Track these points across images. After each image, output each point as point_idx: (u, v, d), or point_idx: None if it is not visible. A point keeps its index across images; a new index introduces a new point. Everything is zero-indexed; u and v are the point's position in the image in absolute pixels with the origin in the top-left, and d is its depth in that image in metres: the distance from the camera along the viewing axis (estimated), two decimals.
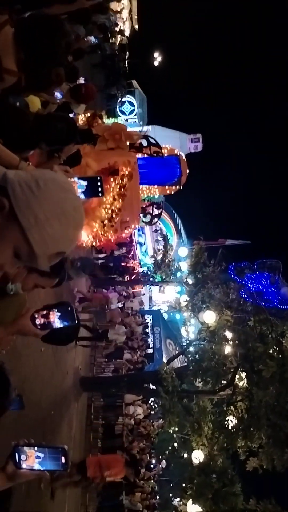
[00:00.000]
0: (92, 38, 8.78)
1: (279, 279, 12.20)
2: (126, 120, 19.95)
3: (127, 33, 30.99)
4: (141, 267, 22.52)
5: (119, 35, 28.64)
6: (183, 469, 16.50)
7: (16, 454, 1.82)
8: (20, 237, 1.28)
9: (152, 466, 16.77)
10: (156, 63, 35.23)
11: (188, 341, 16.52)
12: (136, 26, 33.57)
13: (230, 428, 11.31)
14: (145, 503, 14.13)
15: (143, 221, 10.58)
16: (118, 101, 29.46)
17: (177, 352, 18.19)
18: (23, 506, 6.13)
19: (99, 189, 2.65)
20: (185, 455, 17.89)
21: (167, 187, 9.75)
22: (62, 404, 9.97)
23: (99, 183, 2.63)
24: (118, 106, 32.77)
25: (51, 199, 1.30)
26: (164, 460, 19.01)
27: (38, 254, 1.31)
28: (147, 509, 14.32)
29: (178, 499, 14.44)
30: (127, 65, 32.44)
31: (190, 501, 10.22)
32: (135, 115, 33.19)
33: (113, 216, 7.24)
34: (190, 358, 13.25)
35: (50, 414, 8.65)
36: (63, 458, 1.82)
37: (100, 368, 15.70)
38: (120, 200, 7.28)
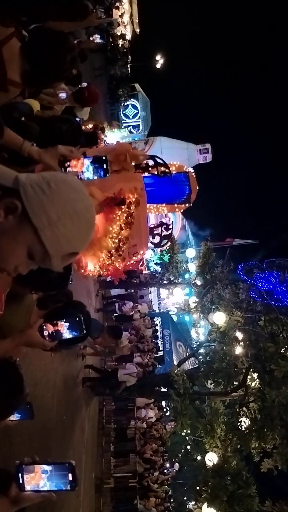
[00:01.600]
0: (98, 38, 8.81)
1: None
2: (130, 131, 19.34)
3: (128, 37, 31.09)
4: (148, 269, 22.40)
5: (121, 39, 28.74)
6: (196, 471, 16.41)
7: (19, 474, 1.71)
8: (34, 237, 1.30)
9: (165, 470, 16.66)
10: (158, 66, 35.29)
11: (198, 343, 16.46)
12: (138, 30, 33.67)
13: (243, 429, 11.21)
14: (160, 508, 14.04)
15: (151, 243, 10.46)
16: (122, 105, 29.58)
17: (187, 354, 18.10)
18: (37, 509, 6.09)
19: (106, 169, 2.60)
20: (199, 458, 17.80)
21: (176, 205, 9.44)
22: (74, 409, 9.94)
23: (105, 164, 2.58)
24: (121, 110, 32.87)
25: (63, 199, 1.31)
26: (177, 463, 18.90)
27: (52, 254, 1.33)
28: None
29: (193, 502, 14.33)
30: (129, 69, 32.56)
31: (205, 504, 10.12)
32: (138, 118, 33.26)
33: (120, 245, 6.95)
34: (201, 360, 13.17)
35: (61, 419, 8.63)
36: (70, 475, 1.70)
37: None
38: (128, 229, 6.98)
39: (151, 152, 20.82)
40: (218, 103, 54.44)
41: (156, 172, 7.86)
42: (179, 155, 24.23)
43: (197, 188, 9.21)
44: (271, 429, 10.40)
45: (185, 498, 22.08)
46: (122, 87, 27.78)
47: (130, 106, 33.05)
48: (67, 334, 2.29)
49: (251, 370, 11.16)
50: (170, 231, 15.90)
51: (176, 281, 19.16)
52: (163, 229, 14.41)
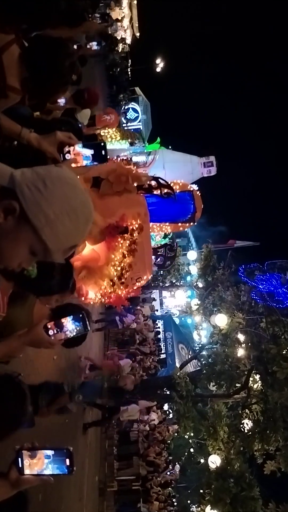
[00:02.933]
0: (95, 45, 8.80)
1: None
2: (131, 143, 18.70)
3: (128, 41, 31.21)
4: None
5: (121, 43, 28.86)
6: (200, 474, 16.39)
7: (19, 459, 1.78)
8: (34, 236, 1.34)
9: (168, 472, 16.64)
10: (158, 69, 35.40)
11: (200, 345, 16.46)
12: (138, 34, 33.78)
13: (246, 431, 11.21)
14: None
15: (155, 264, 10.32)
16: (122, 108, 29.61)
17: (189, 357, 18.09)
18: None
19: (104, 155, 2.60)
20: (202, 460, 17.79)
21: (180, 224, 9.15)
22: (76, 412, 9.94)
23: (103, 151, 2.58)
24: (121, 115, 32.95)
25: (60, 197, 1.35)
26: (178, 465, 18.83)
27: (53, 250, 1.37)
28: None
29: (196, 505, 14.31)
30: (129, 73, 32.67)
31: (208, 506, 10.12)
32: (139, 121, 33.33)
33: (123, 273, 6.70)
34: (203, 362, 13.18)
35: (64, 423, 8.64)
36: (67, 460, 1.77)
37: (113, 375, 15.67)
38: (131, 256, 6.73)
39: (153, 166, 20.62)
40: (219, 105, 54.52)
41: (160, 194, 7.71)
42: (182, 168, 23.65)
43: (202, 206, 9.05)
44: (274, 431, 10.40)
45: (188, 501, 22.01)
46: (122, 91, 27.85)
47: (130, 109, 33.15)
48: (71, 326, 2.33)
49: (253, 372, 11.16)
50: (174, 252, 15.71)
51: (178, 284, 19.18)
52: (167, 250, 14.26)
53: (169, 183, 8.05)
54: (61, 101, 4.97)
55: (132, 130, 18.01)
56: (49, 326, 2.34)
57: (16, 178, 1.34)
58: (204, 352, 14.31)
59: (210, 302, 14.64)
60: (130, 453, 13.98)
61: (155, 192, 7.60)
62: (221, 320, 12.04)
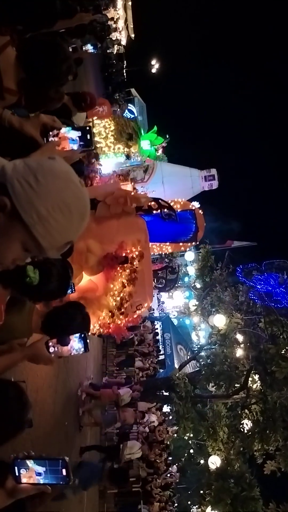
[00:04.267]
0: (90, 48, 8.74)
1: (287, 279, 12.14)
2: (127, 156, 17.63)
3: (123, 42, 31.24)
4: None
5: (116, 45, 28.88)
6: (200, 475, 16.38)
7: (16, 467, 1.75)
8: (26, 233, 1.29)
9: (168, 474, 16.61)
10: (153, 71, 35.45)
11: (199, 346, 16.47)
12: (132, 35, 33.82)
13: (245, 431, 11.22)
14: None
15: (155, 287, 9.96)
16: (118, 109, 29.60)
17: (188, 358, 18.10)
18: None
19: (89, 139, 2.51)
20: (202, 461, 17.78)
21: (181, 243, 8.77)
22: (76, 414, 9.92)
23: (88, 134, 2.49)
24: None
25: (52, 192, 1.29)
26: (175, 466, 18.78)
27: (46, 248, 1.32)
28: None
29: (197, 506, 14.30)
30: (125, 74, 32.68)
31: (209, 507, 10.11)
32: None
33: (123, 303, 6.36)
34: (202, 363, 13.17)
35: (64, 425, 8.61)
36: (63, 470, 1.74)
37: (112, 377, 15.64)
38: (131, 286, 6.39)
39: (152, 181, 19.95)
40: (216, 105, 54.55)
41: (160, 215, 7.36)
42: (182, 183, 22.64)
43: (204, 225, 8.73)
44: (273, 430, 10.41)
45: (189, 502, 21.99)
46: (118, 92, 27.83)
47: (126, 111, 33.16)
48: (74, 351, 2.37)
49: (252, 372, 11.17)
50: (176, 275, 15.24)
51: (176, 285, 19.16)
52: (168, 272, 13.93)
53: (169, 202, 7.78)
54: None
55: (127, 118, 17.31)
56: (51, 344, 2.36)
57: (7, 173, 1.29)
58: (202, 353, 14.31)
59: (208, 303, 14.62)
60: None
61: (155, 213, 7.28)
62: (220, 320, 12.04)
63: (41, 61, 2.35)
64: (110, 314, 6.28)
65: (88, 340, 2.42)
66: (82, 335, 2.39)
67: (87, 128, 2.49)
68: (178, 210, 8.12)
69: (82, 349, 2.40)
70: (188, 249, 9.56)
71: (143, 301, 6.93)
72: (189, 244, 8.85)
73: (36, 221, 1.27)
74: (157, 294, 26.42)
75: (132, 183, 14.19)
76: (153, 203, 7.21)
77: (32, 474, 1.75)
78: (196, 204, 9.97)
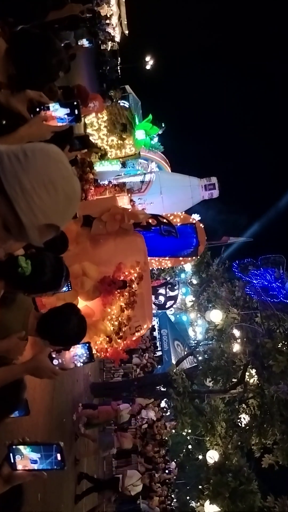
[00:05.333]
0: (85, 42, 8.63)
1: (283, 273, 12.18)
2: (123, 164, 16.65)
3: (117, 39, 31.13)
4: None
5: (110, 42, 28.79)
6: (198, 470, 16.45)
7: (11, 454, 1.76)
8: (7, 208, 1.26)
9: (166, 471, 16.68)
10: (148, 67, 35.38)
11: (196, 341, 16.51)
12: (126, 32, 33.70)
13: (243, 426, 11.28)
14: (162, 507, 14.05)
15: (155, 304, 9.63)
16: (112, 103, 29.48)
17: (185, 353, 18.13)
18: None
19: (78, 115, 2.41)
20: (200, 457, 17.85)
21: (181, 258, 8.45)
22: (74, 411, 9.94)
23: (76, 110, 2.40)
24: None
25: (38, 168, 1.27)
26: (173, 462, 18.84)
27: (27, 225, 1.28)
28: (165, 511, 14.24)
29: (196, 500, 14.36)
30: (119, 71, 32.60)
31: (208, 501, 10.16)
32: None
33: (121, 327, 6.05)
34: (199, 358, 13.22)
35: (62, 422, 8.62)
36: (58, 455, 1.74)
37: (109, 374, 15.67)
38: (130, 309, 6.07)
39: (149, 192, 19.29)
40: (212, 101, 54.45)
41: (159, 231, 7.05)
42: (181, 193, 21.60)
43: (206, 238, 8.45)
44: (271, 424, 10.46)
45: (188, 497, 22.10)
46: (112, 89, 27.75)
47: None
48: (80, 351, 2.32)
49: (249, 366, 11.22)
50: (176, 293, 14.92)
51: (173, 281, 19.18)
52: (167, 289, 13.66)
53: (169, 216, 7.52)
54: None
55: (121, 106, 16.83)
56: (54, 355, 2.28)
57: (0, 149, 1.28)
58: (200, 348, 14.35)
59: (204, 299, 14.66)
60: (128, 451, 13.99)
61: (154, 228, 6.98)
62: (216, 316, 12.09)
63: (32, 54, 2.33)
64: (108, 339, 6.01)
65: (92, 350, 2.37)
66: (87, 345, 2.32)
67: (75, 103, 2.44)
68: (178, 224, 7.84)
69: (87, 360, 2.33)
70: (188, 263, 9.24)
71: (142, 322, 6.58)
72: (189, 258, 8.57)
73: (19, 194, 1.25)
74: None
75: (129, 194, 13.68)
76: (151, 219, 6.94)
77: (27, 459, 1.75)
78: (196, 217, 9.68)
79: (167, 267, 9.39)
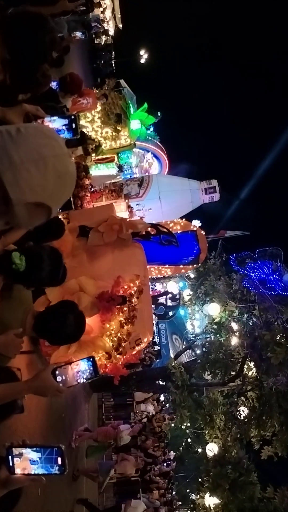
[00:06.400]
0: (78, 34, 8.54)
1: (281, 266, 12.19)
2: (119, 167, 16.04)
3: (111, 32, 30.93)
4: None
5: (104, 35, 28.62)
6: (198, 463, 16.53)
7: (10, 457, 1.70)
8: None
9: (165, 464, 16.77)
10: (142, 61, 35.21)
11: (194, 335, 16.54)
12: (120, 25, 33.48)
13: (242, 418, 11.31)
14: (162, 500, 14.14)
15: (155, 314, 9.25)
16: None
17: (184, 347, 18.17)
18: (40, 509, 6.10)
19: (75, 127, 2.42)
20: (199, 450, 17.93)
21: (182, 266, 8.13)
22: (73, 406, 9.95)
23: (73, 124, 2.41)
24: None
25: (29, 143, 1.25)
26: (172, 452, 18.86)
27: (13, 200, 1.24)
28: (165, 505, 14.32)
29: (195, 492, 14.45)
30: (114, 65, 32.43)
31: (207, 493, 10.20)
32: None
33: (121, 343, 5.83)
34: (198, 352, 13.24)
35: (61, 417, 8.63)
36: (59, 459, 1.68)
37: None
38: (130, 325, 5.82)
39: (148, 197, 18.74)
40: (207, 94, 54.25)
41: (158, 241, 6.78)
42: (181, 198, 20.93)
43: (207, 245, 8.18)
44: (270, 416, 10.50)
45: (187, 490, 22.23)
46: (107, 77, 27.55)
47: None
48: (83, 366, 2.24)
49: (248, 359, 11.24)
50: (177, 302, 14.67)
51: (177, 312, 19.14)
52: (168, 298, 13.45)
53: (168, 224, 7.25)
54: (53, 83, 4.86)
55: (115, 92, 16.53)
56: (57, 372, 2.20)
57: None
58: (198, 342, 14.38)
59: (202, 292, 14.67)
60: (127, 445, 14.04)
61: (153, 238, 6.70)
62: (214, 309, 12.12)
63: (23, 33, 2.30)
64: (107, 356, 5.77)
65: (97, 365, 2.26)
66: (91, 360, 2.23)
67: (73, 116, 2.42)
68: (179, 232, 7.59)
69: (91, 376, 2.25)
70: (188, 271, 8.95)
71: (142, 336, 6.29)
72: (190, 266, 8.30)
73: (7, 167, 1.22)
74: (151, 284, 26.46)
75: (126, 200, 13.32)
76: (151, 229, 6.68)
77: (26, 463, 1.69)
78: (197, 223, 9.40)
79: (167, 275, 9.07)
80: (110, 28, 30.40)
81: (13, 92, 2.58)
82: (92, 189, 12.40)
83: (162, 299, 12.45)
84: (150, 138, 23.98)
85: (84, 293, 5.29)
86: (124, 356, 6.04)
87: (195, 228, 8.16)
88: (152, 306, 8.44)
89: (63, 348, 4.97)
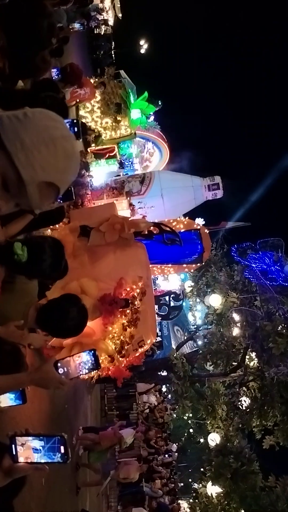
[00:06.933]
0: (77, 26, 8.46)
1: (282, 257, 12.18)
2: (120, 163, 15.75)
3: (111, 22, 30.64)
4: None
5: (103, 25, 28.35)
6: (200, 453, 16.68)
7: (13, 446, 1.72)
8: (7, 163, 1.27)
9: (167, 455, 16.89)
10: (142, 51, 34.92)
11: (195, 326, 16.58)
12: (120, 15, 33.16)
13: (244, 408, 11.39)
14: (165, 489, 14.25)
15: (158, 315, 9.04)
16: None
17: (185, 338, 18.23)
18: (45, 498, 6.16)
19: (77, 131, 2.46)
20: (201, 440, 18.07)
21: (185, 265, 8.04)
22: (76, 397, 9.99)
23: (76, 127, 2.44)
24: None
25: (38, 125, 1.30)
26: (174, 445, 18.99)
27: (26, 180, 1.29)
28: (168, 494, 14.45)
29: (198, 482, 14.59)
30: (113, 55, 32.16)
31: (210, 483, 10.30)
32: None
33: (123, 346, 5.71)
34: (199, 343, 13.29)
35: (64, 408, 8.67)
36: (62, 447, 1.70)
37: None
38: (133, 327, 5.71)
39: (149, 194, 18.57)
40: (207, 84, 53.82)
41: (161, 240, 6.68)
42: (183, 195, 20.86)
43: (211, 244, 8.07)
44: (271, 406, 10.58)
45: (190, 480, 22.43)
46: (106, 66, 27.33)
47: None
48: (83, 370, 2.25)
49: (249, 349, 11.29)
50: (180, 302, 14.45)
51: (180, 312, 19.12)
52: (171, 299, 13.34)
53: (171, 223, 7.17)
54: (53, 70, 4.83)
55: (115, 83, 16.19)
56: (59, 364, 2.21)
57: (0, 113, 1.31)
58: (199, 333, 14.43)
59: (203, 284, 14.68)
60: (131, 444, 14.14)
61: (156, 235, 6.59)
62: (215, 300, 12.13)
63: (21, 20, 2.28)
64: (109, 359, 5.67)
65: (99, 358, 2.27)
66: (92, 352, 2.25)
67: (75, 120, 2.42)
68: (182, 230, 7.48)
69: (92, 367, 2.25)
70: (192, 270, 8.84)
71: (146, 337, 6.17)
72: (193, 265, 8.18)
73: (19, 149, 1.27)
74: (153, 277, 26.43)
75: (128, 198, 13.12)
76: (153, 228, 6.57)
77: (29, 452, 1.71)
78: (200, 221, 9.18)
79: (169, 274, 8.85)
80: (110, 17, 30.11)
81: (12, 81, 2.56)
82: (93, 187, 12.21)
83: (164, 300, 12.28)
84: (150, 127, 23.83)
85: (86, 296, 5.18)
86: (127, 359, 5.94)
87: (198, 227, 8.06)
88: (156, 306, 8.09)
89: (65, 351, 5.01)
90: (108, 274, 5.62)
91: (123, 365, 5.91)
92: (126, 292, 5.63)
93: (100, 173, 14.68)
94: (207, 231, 8.07)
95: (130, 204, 12.45)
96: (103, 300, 5.37)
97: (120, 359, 5.70)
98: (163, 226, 6.76)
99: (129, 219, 6.38)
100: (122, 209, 11.41)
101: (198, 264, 8.22)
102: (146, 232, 6.33)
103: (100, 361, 5.56)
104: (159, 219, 7.95)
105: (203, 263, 8.60)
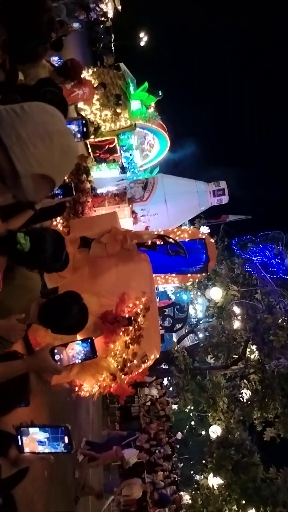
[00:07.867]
0: (75, 25, 8.41)
1: (283, 250, 12.17)
2: (122, 167, 15.38)
3: (110, 15, 30.44)
4: None
5: (103, 17, 28.17)
6: (201, 445, 16.77)
7: (19, 436, 1.75)
8: (2, 155, 1.29)
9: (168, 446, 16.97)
10: (142, 43, 34.70)
11: (196, 319, 16.60)
12: (119, 7, 32.93)
13: (245, 400, 11.45)
14: (167, 481, 14.34)
15: (161, 327, 8.99)
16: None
17: (186, 331, 18.28)
18: (47, 491, 6.21)
19: (85, 131, 2.46)
20: (203, 432, 18.16)
21: (189, 275, 7.88)
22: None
23: (84, 128, 2.43)
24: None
25: (35, 119, 1.32)
26: (179, 433, 19.00)
27: (20, 172, 1.31)
28: (170, 485, 14.54)
29: (199, 473, 14.70)
30: (113, 48, 31.99)
31: (211, 474, 10.38)
32: None
33: (126, 364, 5.49)
34: (200, 336, 13.33)
35: (66, 401, 8.71)
36: (66, 438, 1.74)
37: None
38: (136, 344, 5.49)
39: (152, 200, 18.26)
40: (206, 75, 53.43)
41: (165, 251, 6.45)
42: (188, 201, 20.50)
43: (216, 253, 7.98)
44: (272, 399, 10.63)
45: (191, 472, 22.55)
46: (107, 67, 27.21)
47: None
48: (78, 348, 2.27)
49: (250, 342, 11.32)
50: (185, 314, 14.33)
51: (185, 324, 19.11)
52: (175, 310, 13.34)
53: (176, 232, 7.04)
54: (55, 58, 4.79)
55: (115, 73, 15.89)
56: (56, 350, 2.22)
57: None
58: (200, 326, 14.46)
59: (204, 277, 14.68)
60: (132, 429, 14.20)
61: (160, 248, 6.41)
62: (216, 293, 12.14)
63: (21, 13, 2.28)
64: (111, 377, 5.44)
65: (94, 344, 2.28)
66: (89, 341, 2.27)
67: (83, 121, 2.41)
68: (187, 240, 7.27)
69: (89, 355, 2.27)
70: (196, 280, 8.79)
71: (149, 353, 5.92)
72: (198, 275, 8.03)
73: (15, 142, 1.28)
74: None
75: (131, 205, 12.78)
76: (157, 239, 6.38)
77: (34, 442, 1.75)
78: (205, 230, 9.16)
79: (174, 284, 8.79)
80: (109, 10, 29.90)
81: (13, 76, 2.56)
82: (94, 193, 11.78)
83: (169, 311, 12.14)
84: (151, 117, 23.77)
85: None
86: (130, 375, 5.69)
87: (203, 236, 7.81)
88: (159, 317, 8.28)
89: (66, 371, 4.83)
90: (110, 288, 5.43)
91: (125, 382, 5.68)
92: (129, 308, 5.40)
93: (101, 178, 14.35)
94: (213, 240, 7.98)
95: (133, 212, 12.15)
96: (104, 319, 5.18)
97: (123, 376, 5.50)
98: (167, 237, 6.55)
99: (132, 232, 6.16)
100: (124, 217, 11.05)
101: (203, 274, 8.04)
102: (150, 244, 6.17)
103: (102, 379, 5.38)
104: (163, 227, 7.93)
105: (208, 273, 8.48)
